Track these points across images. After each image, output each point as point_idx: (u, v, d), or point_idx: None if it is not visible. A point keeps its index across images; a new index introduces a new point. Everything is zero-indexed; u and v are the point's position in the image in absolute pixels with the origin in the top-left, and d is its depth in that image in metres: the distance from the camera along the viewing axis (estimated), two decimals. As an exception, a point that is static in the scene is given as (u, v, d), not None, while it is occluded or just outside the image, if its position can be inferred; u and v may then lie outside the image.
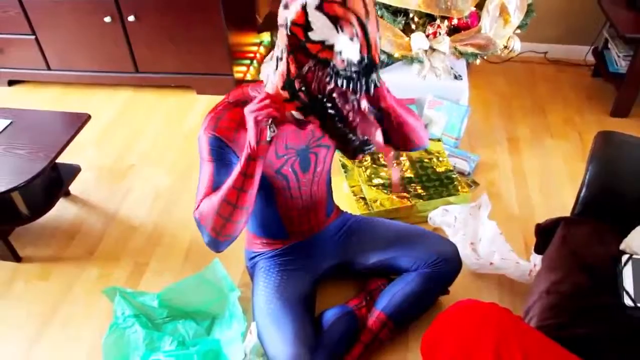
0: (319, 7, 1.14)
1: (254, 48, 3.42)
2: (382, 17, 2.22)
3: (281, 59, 1.26)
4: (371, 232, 1.85)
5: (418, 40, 2.18)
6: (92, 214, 2.37)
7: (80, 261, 2.16)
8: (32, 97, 3.26)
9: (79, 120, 2.21)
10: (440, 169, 2.34)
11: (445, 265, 1.73)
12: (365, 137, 1.31)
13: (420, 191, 2.24)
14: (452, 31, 2.25)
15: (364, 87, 1.18)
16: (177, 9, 2.81)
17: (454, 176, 2.31)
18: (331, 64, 1.19)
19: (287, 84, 1.26)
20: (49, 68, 3.18)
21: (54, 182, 2.30)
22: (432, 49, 2.21)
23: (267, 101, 1.28)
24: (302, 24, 1.18)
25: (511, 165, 2.52)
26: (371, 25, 1.15)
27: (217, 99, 3.04)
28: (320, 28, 1.16)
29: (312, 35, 1.18)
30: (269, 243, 1.80)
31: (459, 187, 2.26)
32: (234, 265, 2.05)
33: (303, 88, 1.25)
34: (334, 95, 1.24)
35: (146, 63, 3.06)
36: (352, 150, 1.34)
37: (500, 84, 3.10)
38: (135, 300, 1.82)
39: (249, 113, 1.29)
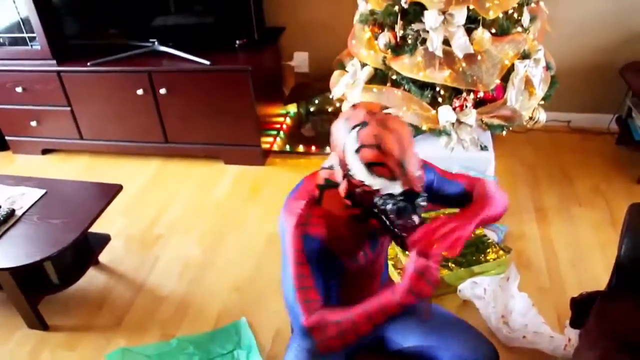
0: (356, 152, 1.19)
1: (281, 119, 3.49)
2: (409, 90, 2.27)
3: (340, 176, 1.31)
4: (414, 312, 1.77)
5: (445, 113, 2.21)
6: (120, 283, 2.38)
7: (107, 331, 2.15)
8: (64, 165, 3.34)
9: (111, 191, 2.25)
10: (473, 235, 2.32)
11: None
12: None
13: (458, 258, 2.22)
14: (478, 104, 2.29)
15: (409, 209, 1.23)
16: (207, 83, 2.89)
17: (489, 241, 2.30)
18: (376, 194, 1.24)
19: (348, 196, 1.30)
20: (81, 137, 3.27)
21: (84, 251, 2.32)
22: (459, 122, 2.24)
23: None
24: (343, 163, 1.23)
25: (539, 235, 2.49)
26: (409, 159, 1.19)
27: (245, 169, 3.11)
28: (357, 171, 1.21)
29: (352, 174, 1.23)
30: None
31: (494, 253, 2.25)
32: (264, 331, 2.05)
33: (359, 201, 1.29)
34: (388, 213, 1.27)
35: (176, 134, 3.14)
36: (402, 246, 1.38)
37: (525, 153, 3.11)
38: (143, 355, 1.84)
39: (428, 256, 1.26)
